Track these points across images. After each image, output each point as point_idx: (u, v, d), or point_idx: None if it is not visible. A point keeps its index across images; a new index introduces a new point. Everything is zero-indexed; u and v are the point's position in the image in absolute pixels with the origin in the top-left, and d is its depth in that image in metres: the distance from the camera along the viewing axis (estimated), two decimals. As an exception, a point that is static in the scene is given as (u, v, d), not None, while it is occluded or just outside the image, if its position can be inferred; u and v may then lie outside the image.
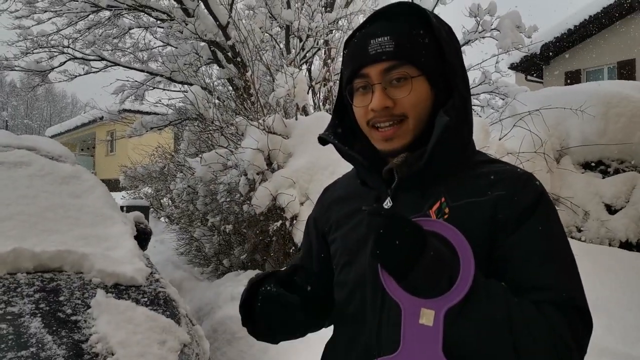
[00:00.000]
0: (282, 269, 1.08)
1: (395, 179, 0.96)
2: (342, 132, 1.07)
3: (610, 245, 4.60)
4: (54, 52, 9.24)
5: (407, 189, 0.95)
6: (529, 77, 14.85)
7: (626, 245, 4.56)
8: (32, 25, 9.05)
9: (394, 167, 0.95)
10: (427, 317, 0.80)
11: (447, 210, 0.90)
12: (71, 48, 9.23)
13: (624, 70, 12.69)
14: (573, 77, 13.53)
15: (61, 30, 9.09)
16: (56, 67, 9.45)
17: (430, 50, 0.92)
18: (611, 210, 4.82)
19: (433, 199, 0.92)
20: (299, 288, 1.03)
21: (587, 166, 5.22)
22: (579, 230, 4.75)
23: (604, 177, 5.07)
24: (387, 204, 0.96)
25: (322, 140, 1.06)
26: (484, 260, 0.86)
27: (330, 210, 1.12)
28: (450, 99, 0.91)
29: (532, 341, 0.77)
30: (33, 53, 9.21)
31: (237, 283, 4.16)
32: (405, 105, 0.91)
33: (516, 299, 0.81)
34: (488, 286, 0.80)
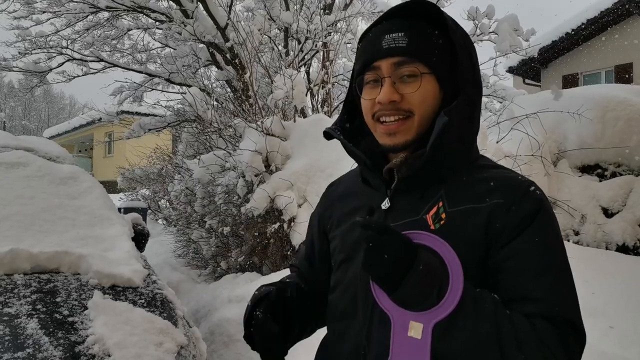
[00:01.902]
0: (280, 280, 1.14)
1: (395, 179, 0.96)
2: (350, 129, 1.08)
3: (607, 248, 4.61)
4: (53, 53, 9.22)
5: (406, 190, 0.95)
6: (526, 81, 14.90)
7: (623, 248, 4.57)
8: (31, 26, 9.04)
9: (394, 168, 0.96)
10: (416, 330, 0.80)
11: (443, 215, 0.90)
12: (69, 49, 9.21)
13: (622, 74, 12.74)
14: (570, 81, 13.57)
15: (60, 31, 9.08)
16: (54, 68, 9.43)
17: (443, 51, 0.92)
18: (608, 213, 4.83)
19: (431, 202, 0.92)
20: (293, 301, 1.10)
21: (584, 169, 5.23)
22: (576, 234, 4.76)
23: (601, 181, 5.09)
24: (385, 204, 0.97)
25: (328, 135, 1.06)
26: (478, 268, 0.86)
27: (332, 207, 1.14)
28: (455, 100, 0.91)
29: (521, 356, 0.77)
30: (31, 54, 9.19)
31: (235, 285, 4.16)
32: (412, 101, 0.91)
33: (507, 312, 0.80)
34: (477, 299, 0.80)
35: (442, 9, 0.94)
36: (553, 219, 0.89)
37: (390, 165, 0.96)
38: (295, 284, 1.15)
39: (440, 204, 0.91)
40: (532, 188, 0.89)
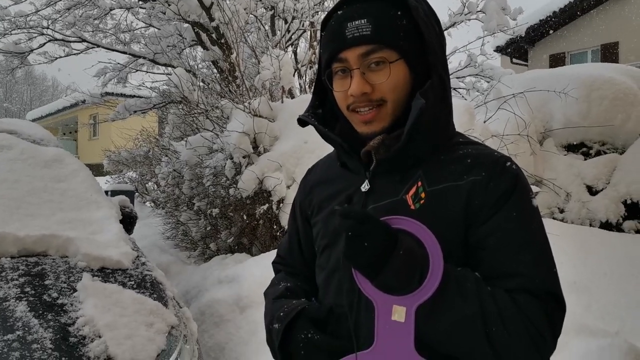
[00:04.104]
0: (304, 301, 1.02)
1: (373, 161, 0.96)
2: (323, 114, 1.06)
3: (591, 225, 4.70)
4: (33, 33, 9.00)
5: (385, 172, 0.95)
6: (514, 60, 14.93)
7: (606, 225, 4.66)
8: (9, 5, 8.79)
9: (372, 150, 0.95)
10: (399, 313, 0.82)
11: (423, 195, 0.90)
12: (51, 29, 8.99)
13: (608, 53, 12.81)
14: (557, 60, 13.62)
15: (40, 10, 8.84)
16: (35, 49, 9.22)
17: (409, 32, 0.91)
18: (592, 191, 4.91)
19: (410, 183, 0.92)
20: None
21: (569, 148, 5.29)
22: (561, 211, 4.84)
23: (585, 159, 5.16)
24: (365, 187, 0.97)
25: (302, 122, 1.05)
26: (460, 246, 0.88)
27: (312, 193, 1.12)
28: (429, 81, 0.90)
29: (506, 332, 0.79)
30: (11, 34, 8.96)
31: (224, 266, 4.17)
32: (384, 90, 0.91)
33: (490, 289, 0.82)
34: (460, 280, 0.81)
35: None
36: (529, 194, 0.90)
37: (367, 148, 0.96)
38: (302, 291, 1.09)
39: (419, 183, 0.91)
40: (509, 164, 0.90)
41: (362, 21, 0.89)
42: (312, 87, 1.09)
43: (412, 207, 0.90)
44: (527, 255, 0.84)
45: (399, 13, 0.90)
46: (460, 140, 0.98)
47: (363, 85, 0.90)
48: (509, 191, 0.87)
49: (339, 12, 0.94)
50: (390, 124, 0.93)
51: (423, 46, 0.91)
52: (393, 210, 0.89)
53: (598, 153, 5.19)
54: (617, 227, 4.67)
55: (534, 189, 4.48)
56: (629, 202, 4.69)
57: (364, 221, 0.80)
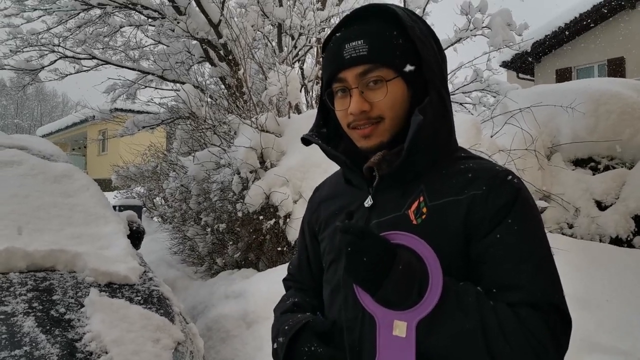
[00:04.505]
0: (309, 315, 1.05)
1: (376, 177, 0.98)
2: (327, 132, 1.09)
3: (600, 241, 4.65)
4: (45, 50, 9.15)
5: (387, 187, 0.97)
6: (520, 75, 14.96)
7: (616, 241, 4.61)
8: (22, 24, 8.95)
9: (373, 166, 0.98)
10: (400, 328, 0.82)
11: (425, 210, 0.91)
12: (62, 46, 9.14)
13: (614, 68, 12.81)
14: (564, 75, 13.63)
15: (51, 28, 9.00)
16: (46, 66, 9.36)
17: (406, 50, 0.93)
18: (601, 206, 4.87)
19: (412, 197, 0.93)
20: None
21: (577, 163, 5.26)
22: (570, 227, 4.79)
23: (594, 174, 5.12)
24: (368, 202, 0.99)
25: (306, 141, 1.07)
26: (461, 260, 0.88)
27: (319, 210, 1.15)
28: (427, 97, 0.92)
29: (507, 347, 0.78)
30: (23, 52, 9.11)
31: (231, 282, 4.16)
32: (382, 107, 0.93)
33: (491, 303, 0.82)
34: (460, 294, 0.81)
35: (427, 4, 0.95)
36: (532, 206, 0.90)
37: (369, 164, 0.98)
38: (310, 306, 1.12)
39: (421, 198, 0.92)
40: (509, 177, 0.90)
41: (359, 42, 0.92)
42: (317, 106, 1.10)
43: (415, 222, 0.91)
44: (528, 267, 0.84)
45: (395, 33, 0.93)
46: (462, 155, 0.98)
47: (362, 103, 0.93)
48: (509, 204, 0.87)
49: (337, 34, 0.97)
50: (388, 139, 0.95)
51: (421, 63, 0.94)
52: (396, 225, 0.90)
53: (606, 168, 5.16)
54: (628, 243, 4.62)
55: (542, 204, 4.45)
56: (639, 217, 4.64)
57: (363, 236, 0.82)
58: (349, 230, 0.83)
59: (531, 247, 0.86)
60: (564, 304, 0.85)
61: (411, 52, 0.93)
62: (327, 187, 1.18)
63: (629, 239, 4.63)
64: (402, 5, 1.02)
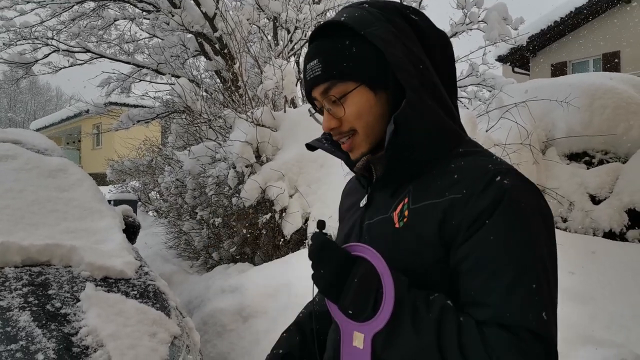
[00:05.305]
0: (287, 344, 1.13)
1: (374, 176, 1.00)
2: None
3: (594, 234, 4.67)
4: (38, 43, 9.08)
5: (382, 187, 0.97)
6: (515, 69, 14.98)
7: (610, 235, 4.64)
8: (15, 17, 8.88)
9: (359, 173, 1.00)
10: (359, 340, 0.84)
11: (406, 213, 0.88)
12: (55, 40, 9.08)
13: (609, 62, 12.85)
14: (559, 69, 13.66)
15: (45, 21, 8.93)
16: (40, 59, 9.30)
17: (364, 56, 0.89)
18: (595, 200, 4.90)
19: (399, 199, 0.91)
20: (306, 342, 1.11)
21: (572, 157, 5.29)
22: (564, 221, 4.82)
23: (588, 168, 5.14)
24: (364, 202, 1.00)
25: (311, 147, 1.08)
26: (438, 268, 0.83)
27: (342, 204, 1.19)
28: (404, 100, 0.87)
29: None
30: (16, 45, 9.05)
31: (227, 276, 4.16)
32: (350, 120, 0.92)
33: (461, 319, 0.76)
34: (418, 309, 0.78)
35: (350, 13, 0.91)
36: (522, 211, 0.78)
37: (355, 170, 1.00)
38: (307, 315, 1.16)
39: (406, 200, 0.89)
40: (498, 177, 0.80)
41: (314, 62, 0.92)
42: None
43: (397, 225, 0.88)
44: (499, 284, 0.75)
45: (347, 42, 0.89)
46: (460, 151, 0.90)
47: (329, 121, 0.94)
48: (489, 208, 0.78)
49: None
50: (368, 149, 0.94)
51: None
52: (381, 227, 0.91)
53: (601, 162, 5.18)
54: (621, 236, 4.65)
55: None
56: (632, 211, 4.67)
57: (323, 248, 0.85)
58: (313, 239, 0.86)
59: (508, 260, 0.75)
60: (547, 331, 0.74)
61: (375, 55, 0.88)
62: (351, 183, 1.20)
63: (622, 232, 4.66)
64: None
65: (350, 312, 0.83)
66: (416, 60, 0.89)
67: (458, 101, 1.15)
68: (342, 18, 0.91)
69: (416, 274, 0.83)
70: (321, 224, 0.93)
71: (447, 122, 0.91)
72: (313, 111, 1.06)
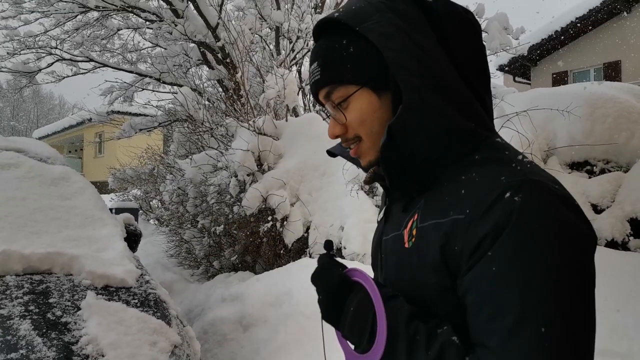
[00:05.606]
0: None
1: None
2: None
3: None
4: (42, 53, 9.16)
5: (396, 200, 0.90)
6: (516, 79, 15.02)
7: (612, 244, 4.62)
8: (19, 26, 8.96)
9: (368, 183, 0.96)
10: None
11: (414, 232, 0.79)
12: (59, 49, 9.15)
13: (610, 72, 12.88)
14: (560, 79, 13.69)
15: (49, 31, 9.01)
16: (44, 68, 9.36)
17: (362, 56, 0.81)
18: (597, 209, 4.89)
19: (411, 214, 0.82)
20: None
21: (573, 166, 5.29)
22: (566, 230, 4.80)
23: (590, 177, 5.14)
24: (380, 215, 0.96)
25: (331, 154, 1.04)
26: (443, 296, 0.73)
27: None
28: (400, 105, 0.77)
29: None
30: (20, 54, 9.12)
31: (228, 285, 4.16)
32: (353, 127, 0.85)
33: (466, 359, 0.67)
34: (415, 345, 0.70)
35: (345, 9, 0.83)
36: (533, 236, 0.63)
37: (364, 181, 0.96)
38: None
39: (416, 216, 0.79)
40: (508, 194, 0.66)
41: (314, 65, 0.86)
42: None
43: (406, 244, 0.80)
44: (501, 325, 0.63)
45: (345, 41, 0.81)
46: (476, 158, 0.76)
47: (334, 128, 0.88)
48: (491, 235, 0.65)
49: None
50: (376, 157, 0.86)
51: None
52: (395, 245, 0.84)
53: (602, 171, 5.18)
54: (623, 246, 4.63)
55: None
56: (635, 220, 4.66)
57: (322, 270, 0.84)
58: (317, 262, 0.86)
59: (513, 296, 0.62)
60: None
61: (376, 52, 0.79)
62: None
63: (624, 242, 4.65)
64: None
65: (351, 340, 0.80)
66: (420, 54, 0.77)
67: None
68: (337, 14, 0.82)
69: (424, 300, 0.75)
70: (328, 245, 0.88)
71: (459, 122, 0.77)
72: (324, 116, 1.02)
